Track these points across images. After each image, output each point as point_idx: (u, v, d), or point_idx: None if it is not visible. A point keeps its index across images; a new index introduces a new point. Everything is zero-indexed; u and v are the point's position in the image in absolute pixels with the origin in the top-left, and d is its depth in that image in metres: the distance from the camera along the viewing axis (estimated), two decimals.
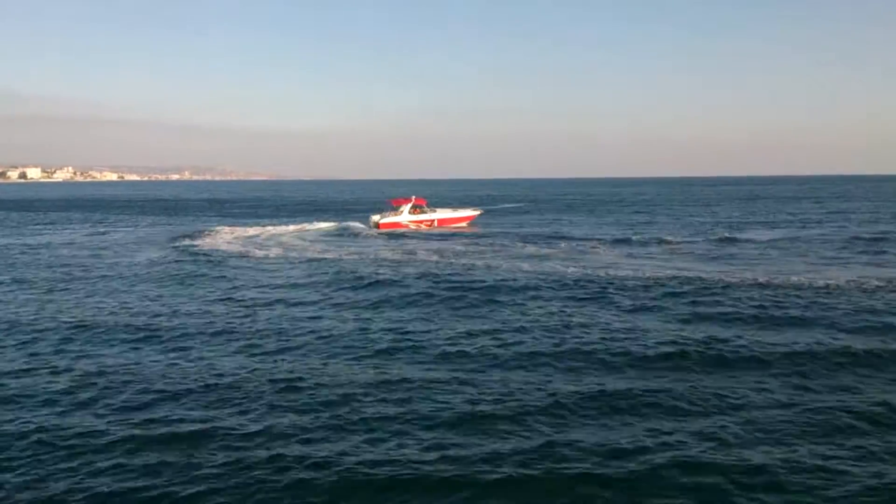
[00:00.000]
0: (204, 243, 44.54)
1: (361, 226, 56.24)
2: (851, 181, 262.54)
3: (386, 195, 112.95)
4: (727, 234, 48.19)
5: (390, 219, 55.49)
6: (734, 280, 27.23)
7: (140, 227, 62.94)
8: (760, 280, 27.21)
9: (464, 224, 58.33)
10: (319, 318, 21.68)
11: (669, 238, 45.87)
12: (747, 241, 44.43)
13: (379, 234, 51.38)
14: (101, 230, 59.49)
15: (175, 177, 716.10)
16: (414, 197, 58.74)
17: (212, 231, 53.44)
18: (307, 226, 58.67)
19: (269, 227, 57.13)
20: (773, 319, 20.55)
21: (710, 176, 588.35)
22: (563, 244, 43.24)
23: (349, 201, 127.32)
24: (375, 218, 56.13)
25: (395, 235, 50.06)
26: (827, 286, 25.63)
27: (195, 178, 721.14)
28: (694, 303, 23.07)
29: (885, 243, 41.24)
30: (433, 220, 56.12)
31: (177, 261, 35.82)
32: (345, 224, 58.25)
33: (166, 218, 79.65)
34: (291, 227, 57.09)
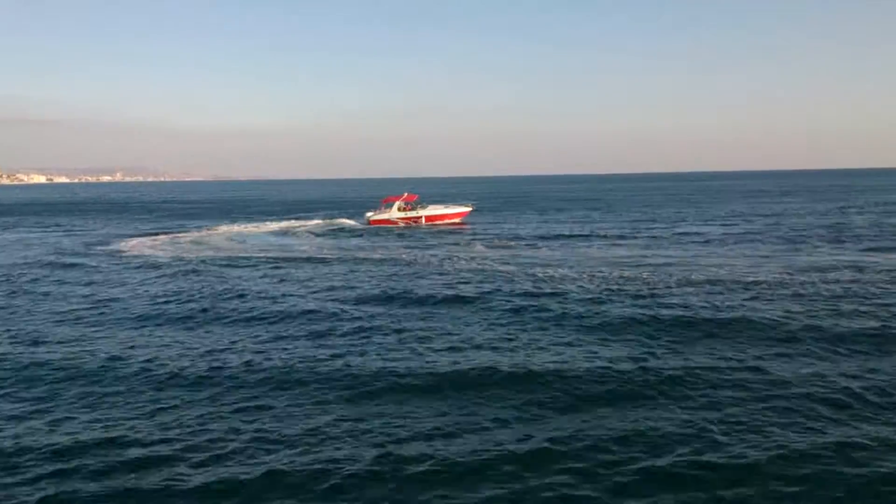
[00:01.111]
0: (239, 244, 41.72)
1: (352, 222, 59.07)
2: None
3: (336, 195, 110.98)
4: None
5: (380, 216, 57.12)
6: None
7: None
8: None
9: (456, 220, 57.46)
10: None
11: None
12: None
13: (366, 229, 53.45)
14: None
15: (106, 178, 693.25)
16: (406, 194, 60.09)
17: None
18: (294, 223, 60.16)
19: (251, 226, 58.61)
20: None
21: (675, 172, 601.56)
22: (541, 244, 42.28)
23: (316, 200, 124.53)
24: (369, 215, 58.15)
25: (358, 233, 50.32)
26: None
27: (127, 179, 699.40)
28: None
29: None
30: (420, 217, 56.23)
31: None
32: (338, 221, 61.19)
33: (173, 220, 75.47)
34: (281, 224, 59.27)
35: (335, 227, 55.82)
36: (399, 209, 57.09)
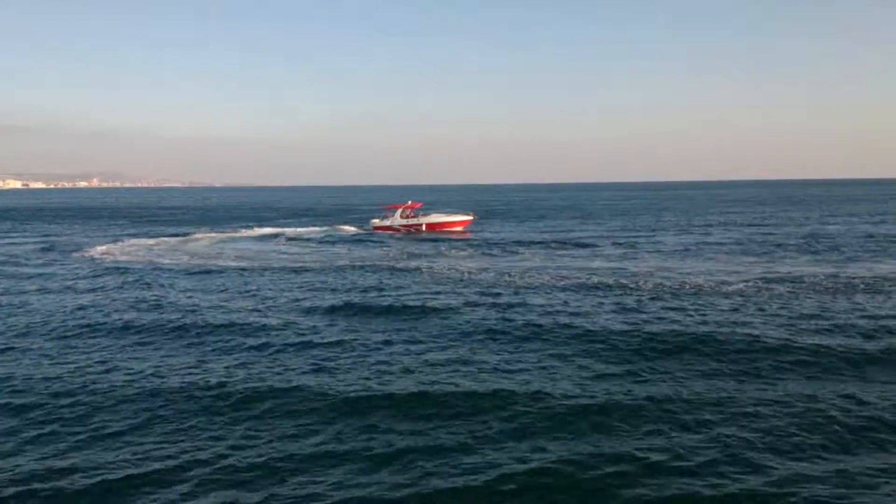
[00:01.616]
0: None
1: (354, 228, 61.24)
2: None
3: (318, 201, 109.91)
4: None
5: (383, 222, 58.48)
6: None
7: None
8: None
9: (458, 229, 57.29)
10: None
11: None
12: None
13: (370, 234, 54.98)
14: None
15: (83, 184, 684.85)
16: (410, 201, 61.83)
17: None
18: (300, 230, 61.41)
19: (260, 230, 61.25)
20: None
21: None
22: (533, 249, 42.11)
23: (302, 208, 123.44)
24: (374, 221, 59.98)
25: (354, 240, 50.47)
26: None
27: (104, 185, 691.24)
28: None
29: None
30: (421, 225, 56.74)
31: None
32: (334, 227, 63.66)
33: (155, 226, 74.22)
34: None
35: (333, 234, 56.45)
36: (401, 216, 57.80)
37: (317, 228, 62.97)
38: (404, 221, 57.32)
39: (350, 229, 60.89)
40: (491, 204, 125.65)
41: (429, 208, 64.42)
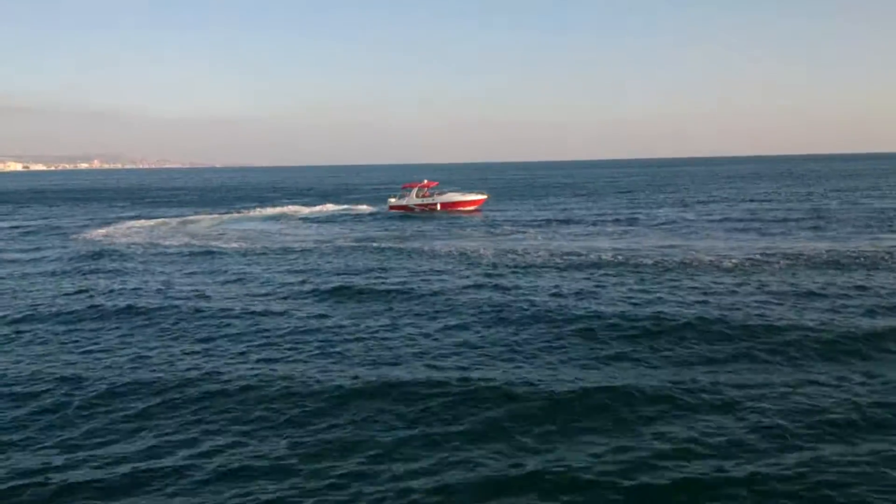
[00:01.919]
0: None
1: (371, 208, 61.91)
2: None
3: (320, 181, 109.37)
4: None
5: (399, 202, 58.99)
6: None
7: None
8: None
9: (471, 208, 57.55)
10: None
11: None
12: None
13: (382, 214, 56.55)
14: None
15: (84, 166, 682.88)
16: (426, 180, 61.59)
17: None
18: (322, 208, 63.71)
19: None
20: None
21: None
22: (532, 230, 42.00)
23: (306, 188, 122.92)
24: (391, 200, 60.46)
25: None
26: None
27: (105, 166, 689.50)
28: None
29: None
30: (436, 204, 57.11)
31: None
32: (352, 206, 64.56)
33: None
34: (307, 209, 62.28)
35: (351, 213, 58.33)
36: (417, 195, 58.23)
37: (333, 207, 64.38)
38: (419, 201, 57.66)
39: (366, 209, 62.04)
40: (492, 182, 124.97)
41: (443, 187, 64.30)
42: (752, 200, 61.64)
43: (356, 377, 13.69)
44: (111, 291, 23.06)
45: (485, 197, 60.01)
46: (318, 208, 63.75)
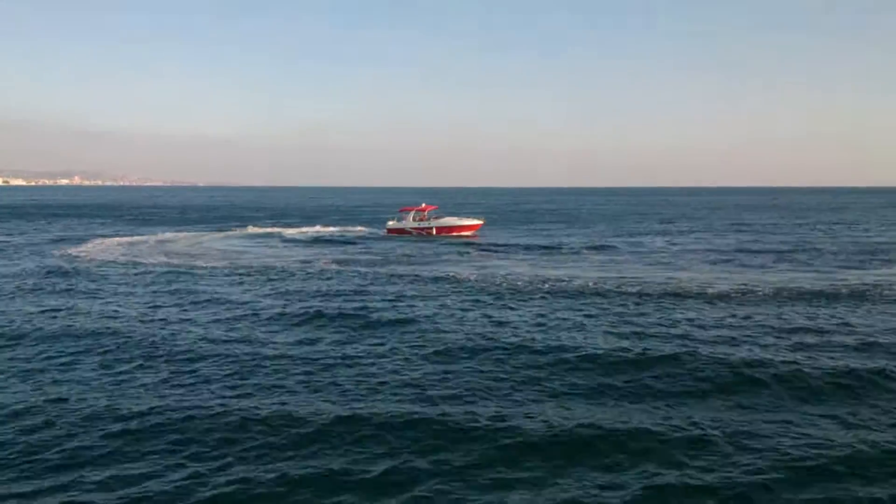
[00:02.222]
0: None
1: (365, 229, 63.65)
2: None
3: (304, 202, 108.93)
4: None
5: (397, 225, 59.16)
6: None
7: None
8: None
9: (466, 234, 57.33)
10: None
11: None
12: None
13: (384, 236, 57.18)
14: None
15: (65, 182, 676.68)
16: (424, 204, 62.07)
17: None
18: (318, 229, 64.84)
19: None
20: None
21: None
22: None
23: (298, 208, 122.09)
24: (390, 224, 60.52)
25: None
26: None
27: (86, 183, 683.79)
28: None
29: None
30: (432, 228, 57.06)
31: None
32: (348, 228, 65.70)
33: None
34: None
35: (347, 234, 59.33)
36: (414, 219, 58.39)
37: (332, 229, 65.15)
38: (416, 224, 57.65)
39: (362, 230, 63.42)
40: (474, 208, 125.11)
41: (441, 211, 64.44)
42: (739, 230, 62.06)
43: (334, 406, 13.19)
44: (85, 312, 22.36)
45: (481, 222, 59.96)
46: (312, 229, 64.18)
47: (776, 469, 10.58)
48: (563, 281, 29.12)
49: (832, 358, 16.67)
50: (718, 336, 19.01)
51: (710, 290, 26.32)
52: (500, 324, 20.68)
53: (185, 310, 22.95)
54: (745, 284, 27.99)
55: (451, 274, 31.47)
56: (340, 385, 14.74)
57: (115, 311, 22.59)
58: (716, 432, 11.97)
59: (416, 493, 9.96)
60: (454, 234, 56.83)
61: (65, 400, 13.65)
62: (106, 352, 17.43)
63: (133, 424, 12.35)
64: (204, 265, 34.68)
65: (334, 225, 70.95)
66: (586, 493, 9.93)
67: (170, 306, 23.50)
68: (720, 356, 16.59)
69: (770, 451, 11.23)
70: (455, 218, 60.53)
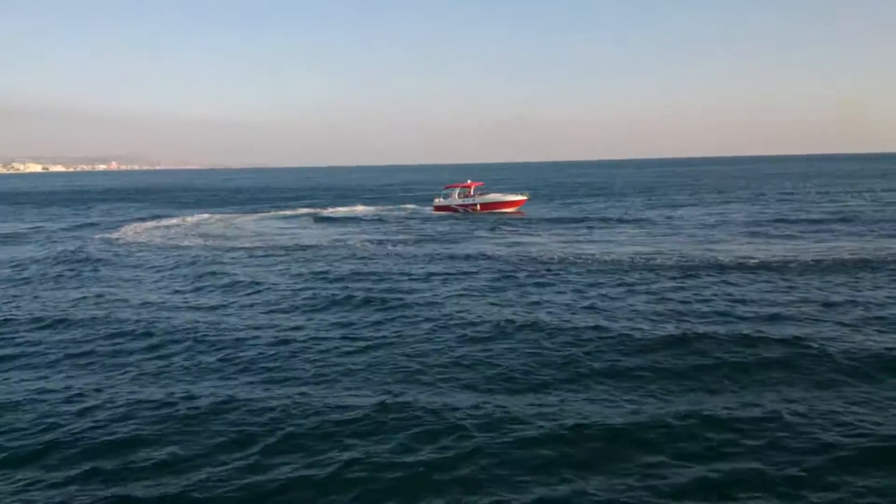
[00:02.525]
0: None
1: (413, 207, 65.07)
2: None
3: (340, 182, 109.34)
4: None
5: (443, 202, 59.77)
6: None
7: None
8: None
9: (510, 210, 56.91)
10: None
11: None
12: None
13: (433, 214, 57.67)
14: None
15: (102, 167, 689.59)
16: (470, 181, 61.56)
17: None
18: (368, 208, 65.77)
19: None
20: None
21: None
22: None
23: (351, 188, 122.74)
24: (436, 201, 61.26)
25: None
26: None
27: (123, 167, 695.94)
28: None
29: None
30: (476, 205, 57.01)
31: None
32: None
33: None
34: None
35: (400, 212, 60.41)
36: (459, 195, 58.75)
37: (374, 208, 65.69)
38: (461, 201, 57.86)
39: (410, 207, 64.41)
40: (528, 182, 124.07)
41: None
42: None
43: (360, 395, 13.14)
44: (123, 299, 22.59)
45: (525, 198, 59.05)
46: (372, 208, 65.50)
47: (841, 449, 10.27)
48: (597, 255, 28.71)
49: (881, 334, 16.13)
50: (764, 312, 18.45)
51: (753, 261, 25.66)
52: (536, 303, 20.39)
53: (225, 294, 23.13)
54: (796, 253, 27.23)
55: (490, 252, 31.27)
56: (379, 371, 14.61)
57: (156, 297, 22.80)
58: (779, 413, 11.60)
59: (465, 477, 9.87)
60: (499, 210, 56.27)
61: (111, 387, 13.88)
62: (148, 336, 17.63)
63: (182, 409, 12.46)
64: (242, 246, 35.05)
65: (378, 204, 71.26)
66: (640, 483, 9.63)
67: (211, 291, 23.70)
68: (766, 333, 16.09)
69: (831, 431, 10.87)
70: (500, 194, 59.97)
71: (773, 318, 17.73)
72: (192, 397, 13.07)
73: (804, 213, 46.73)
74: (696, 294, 20.90)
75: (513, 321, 18.00)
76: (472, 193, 58.25)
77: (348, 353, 15.82)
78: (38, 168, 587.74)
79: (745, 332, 16.31)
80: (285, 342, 16.79)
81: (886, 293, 20.33)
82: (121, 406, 12.73)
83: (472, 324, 18.00)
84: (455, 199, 58.44)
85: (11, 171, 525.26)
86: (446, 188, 63.17)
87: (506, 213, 55.48)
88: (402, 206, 67.21)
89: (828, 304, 19.13)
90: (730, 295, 20.59)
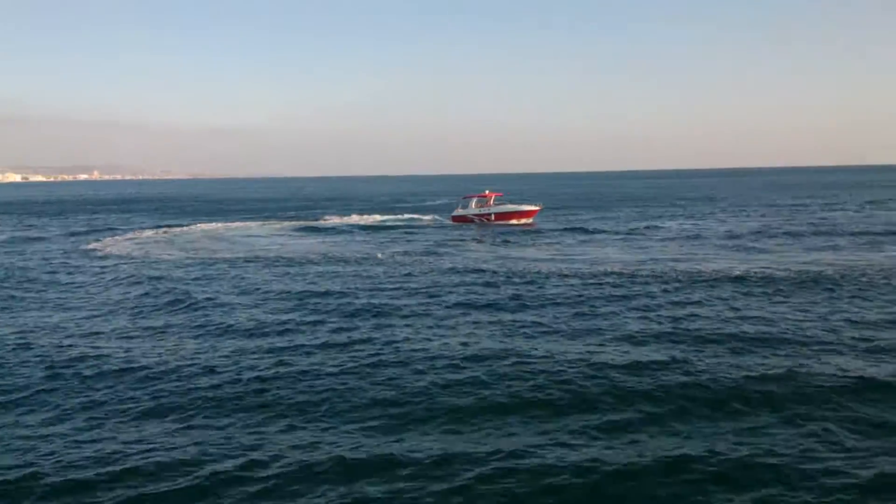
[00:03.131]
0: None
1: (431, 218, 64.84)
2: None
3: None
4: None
5: (460, 212, 60.26)
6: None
7: None
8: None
9: (527, 220, 56.94)
10: None
11: None
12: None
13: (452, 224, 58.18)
14: None
15: (84, 177, 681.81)
16: (487, 191, 61.92)
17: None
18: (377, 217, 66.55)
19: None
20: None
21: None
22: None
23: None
24: (457, 211, 61.53)
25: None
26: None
27: (105, 177, 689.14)
28: None
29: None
30: (491, 215, 57.28)
31: None
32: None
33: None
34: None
35: (418, 223, 60.47)
36: (475, 205, 59.22)
37: (390, 217, 66.08)
38: (477, 211, 58.28)
39: (427, 219, 64.33)
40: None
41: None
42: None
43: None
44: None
45: (538, 208, 58.88)
46: (371, 218, 65.29)
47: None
48: (586, 267, 29.25)
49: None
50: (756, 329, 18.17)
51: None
52: (533, 320, 19.99)
53: (244, 297, 23.63)
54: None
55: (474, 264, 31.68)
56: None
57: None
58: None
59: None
60: (513, 220, 56.25)
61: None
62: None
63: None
64: (252, 256, 35.80)
65: (394, 213, 71.36)
66: None
67: (229, 293, 24.24)
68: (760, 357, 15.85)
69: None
70: (512, 205, 59.82)
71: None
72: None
73: None
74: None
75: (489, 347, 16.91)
76: (490, 203, 58.28)
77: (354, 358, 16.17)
78: (17, 178, 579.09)
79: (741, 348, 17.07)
80: (303, 345, 17.34)
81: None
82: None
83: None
84: (472, 209, 58.90)
85: None
86: (465, 198, 63.04)
87: (519, 223, 55.44)
88: (421, 216, 66.77)
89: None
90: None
